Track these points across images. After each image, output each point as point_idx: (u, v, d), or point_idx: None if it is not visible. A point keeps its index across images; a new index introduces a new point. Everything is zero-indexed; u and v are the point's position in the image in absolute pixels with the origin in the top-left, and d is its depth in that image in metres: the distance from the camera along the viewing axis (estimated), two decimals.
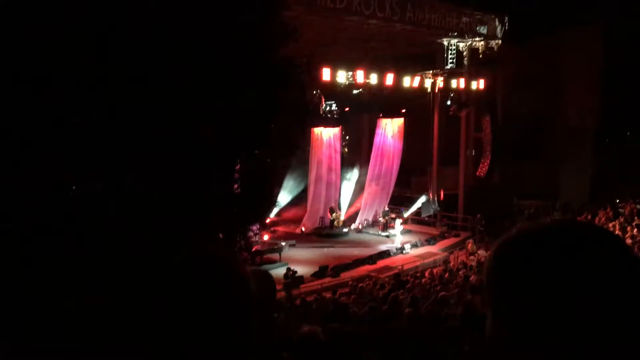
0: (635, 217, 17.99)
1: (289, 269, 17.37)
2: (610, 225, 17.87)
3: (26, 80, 4.51)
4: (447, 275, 14.69)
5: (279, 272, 17.74)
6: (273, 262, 19.64)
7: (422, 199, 26.34)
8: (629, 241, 12.95)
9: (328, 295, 14.08)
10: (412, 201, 26.98)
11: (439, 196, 26.48)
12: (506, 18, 25.10)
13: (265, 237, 21.83)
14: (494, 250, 0.97)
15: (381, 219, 25.49)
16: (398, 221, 24.14)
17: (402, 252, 21.91)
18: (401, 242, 22.96)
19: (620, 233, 15.24)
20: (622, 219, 18.39)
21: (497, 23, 24.92)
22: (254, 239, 20.48)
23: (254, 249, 19.78)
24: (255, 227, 20.24)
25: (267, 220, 22.60)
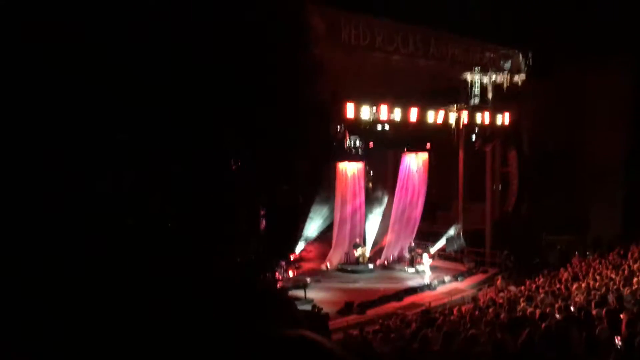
0: None
1: (314, 306, 17.16)
2: None
3: (28, 81, 4.54)
4: (476, 312, 14.35)
5: (304, 309, 17.56)
6: (298, 298, 19.45)
7: (450, 232, 26.00)
8: None
9: (355, 332, 13.84)
10: (439, 236, 26.67)
11: (463, 231, 26.16)
12: (530, 53, 25.09)
13: (290, 273, 21.69)
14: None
15: (407, 255, 25.20)
16: (426, 256, 23.80)
17: (429, 289, 21.56)
18: (429, 278, 22.63)
19: None
20: None
21: (520, 58, 24.92)
22: (279, 276, 20.36)
23: (279, 286, 19.63)
24: (282, 263, 20.15)
25: (292, 257, 22.51)
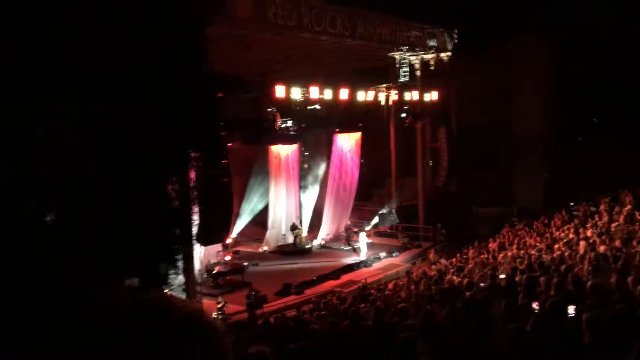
0: (589, 219, 18.44)
1: (251, 290, 17.16)
2: (566, 227, 18.29)
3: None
4: (412, 286, 14.75)
5: (242, 293, 17.53)
6: (235, 283, 19.41)
7: (384, 210, 26.53)
8: (582, 243, 13.25)
9: (293, 313, 13.95)
10: (374, 213, 27.14)
11: (398, 208, 26.77)
12: (455, 31, 25.62)
13: (227, 258, 21.55)
14: None
15: (343, 233, 25.53)
16: (363, 234, 24.12)
17: (365, 265, 21.94)
18: (365, 255, 23.01)
19: (574, 236, 15.60)
20: (576, 221, 18.84)
21: (446, 36, 25.41)
22: (215, 260, 20.20)
23: (216, 270, 19.51)
24: (218, 249, 20.03)
25: (229, 241, 22.34)
